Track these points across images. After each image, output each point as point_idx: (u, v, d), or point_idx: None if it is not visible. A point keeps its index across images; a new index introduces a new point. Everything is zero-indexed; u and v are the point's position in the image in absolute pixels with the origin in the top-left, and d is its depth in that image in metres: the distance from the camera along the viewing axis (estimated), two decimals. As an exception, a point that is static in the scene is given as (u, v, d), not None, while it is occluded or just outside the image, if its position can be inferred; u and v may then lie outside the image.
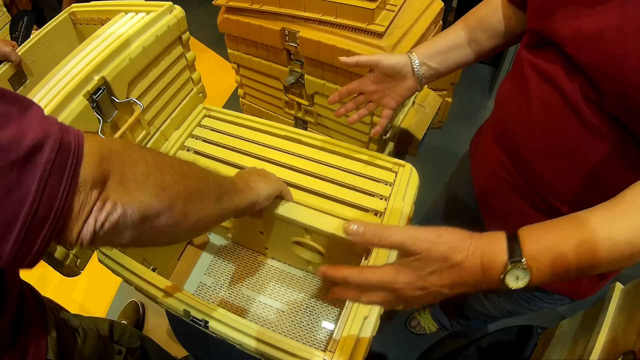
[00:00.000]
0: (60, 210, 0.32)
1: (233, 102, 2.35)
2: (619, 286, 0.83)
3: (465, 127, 2.05)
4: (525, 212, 0.70)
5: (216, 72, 2.57)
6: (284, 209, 0.73)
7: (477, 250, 0.42)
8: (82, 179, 0.33)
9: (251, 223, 0.85)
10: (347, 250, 0.75)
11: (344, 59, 0.74)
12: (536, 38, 0.61)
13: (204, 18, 2.41)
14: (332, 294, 0.49)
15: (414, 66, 0.72)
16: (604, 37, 0.48)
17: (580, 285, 0.74)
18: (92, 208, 0.35)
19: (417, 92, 0.85)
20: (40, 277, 1.64)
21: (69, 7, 0.95)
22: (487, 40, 0.73)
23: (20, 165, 0.30)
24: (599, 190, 0.58)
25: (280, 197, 0.74)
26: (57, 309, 0.72)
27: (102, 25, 0.85)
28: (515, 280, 0.40)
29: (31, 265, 0.33)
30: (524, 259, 0.40)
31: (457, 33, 0.75)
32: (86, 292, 1.67)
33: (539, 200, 0.66)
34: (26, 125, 0.31)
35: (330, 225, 0.72)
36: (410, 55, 0.73)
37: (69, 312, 0.76)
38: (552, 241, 0.41)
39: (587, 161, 0.57)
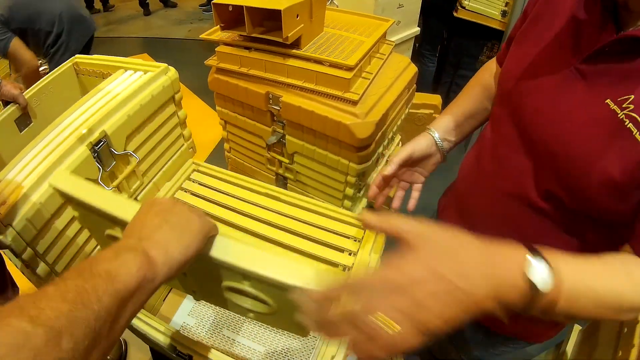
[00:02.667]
0: None
1: (218, 152, 2.42)
2: (577, 328, 0.91)
3: (441, 181, 2.12)
4: None
5: (203, 119, 2.66)
6: (218, 250, 0.54)
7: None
8: None
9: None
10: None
11: (377, 185, 0.78)
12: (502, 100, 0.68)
13: (197, 67, 2.53)
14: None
15: (438, 144, 0.81)
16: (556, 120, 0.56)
17: (535, 330, 0.79)
18: None
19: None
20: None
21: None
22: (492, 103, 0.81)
23: None
24: None
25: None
26: None
27: (103, 78, 0.93)
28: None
29: None
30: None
31: (468, 103, 0.83)
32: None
33: None
34: None
35: (280, 271, 0.51)
36: (432, 134, 0.81)
37: None
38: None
39: (528, 233, 0.64)
